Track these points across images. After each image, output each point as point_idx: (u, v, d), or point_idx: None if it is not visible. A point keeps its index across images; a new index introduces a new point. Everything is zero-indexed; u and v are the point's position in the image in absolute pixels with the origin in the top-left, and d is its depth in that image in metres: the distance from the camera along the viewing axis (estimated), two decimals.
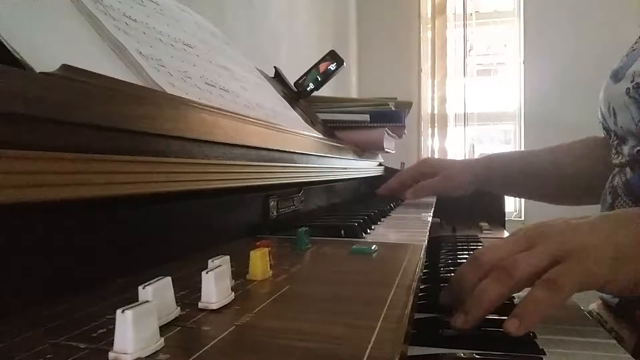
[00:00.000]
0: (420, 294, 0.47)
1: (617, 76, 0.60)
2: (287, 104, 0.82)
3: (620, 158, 0.61)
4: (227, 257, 0.29)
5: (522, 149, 2.69)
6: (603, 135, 0.68)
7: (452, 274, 0.56)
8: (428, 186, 0.89)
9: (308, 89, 1.03)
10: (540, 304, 0.36)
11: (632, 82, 0.56)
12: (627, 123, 0.57)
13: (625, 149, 0.59)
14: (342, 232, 0.53)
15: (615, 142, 0.62)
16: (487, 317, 0.39)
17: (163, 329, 0.22)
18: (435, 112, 2.91)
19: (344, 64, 1.05)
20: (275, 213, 0.58)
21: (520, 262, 0.37)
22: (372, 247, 0.43)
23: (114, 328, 0.19)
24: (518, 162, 0.88)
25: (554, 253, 0.37)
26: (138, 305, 0.19)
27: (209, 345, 0.21)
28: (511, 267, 0.37)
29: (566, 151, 0.84)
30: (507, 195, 1.02)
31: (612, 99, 0.60)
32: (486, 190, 0.92)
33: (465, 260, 0.64)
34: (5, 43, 0.29)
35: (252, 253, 0.33)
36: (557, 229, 0.40)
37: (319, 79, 1.03)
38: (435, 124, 2.92)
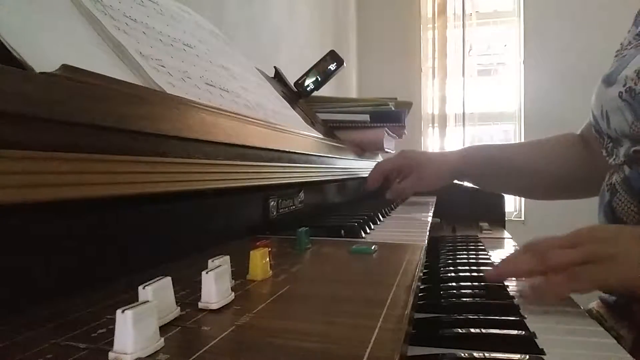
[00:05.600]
0: (420, 294, 0.47)
1: (609, 81, 0.62)
2: (287, 104, 0.82)
3: (615, 159, 0.62)
4: (227, 257, 0.29)
5: None
6: (595, 135, 0.69)
7: (453, 274, 0.57)
8: (405, 188, 0.94)
9: (308, 89, 1.03)
10: (553, 286, 0.43)
11: (624, 85, 0.57)
12: (621, 125, 0.58)
13: (621, 151, 0.60)
14: (342, 232, 0.53)
15: (609, 145, 0.64)
16: (488, 317, 0.40)
17: (163, 329, 0.22)
18: (436, 112, 2.91)
19: (344, 64, 1.05)
20: (275, 213, 0.58)
21: (558, 253, 0.43)
22: (372, 247, 0.43)
23: (114, 328, 0.19)
24: (492, 157, 0.91)
25: (590, 254, 0.42)
26: (138, 305, 0.19)
27: (209, 345, 0.21)
28: (548, 255, 0.44)
29: (540, 147, 0.88)
30: (485, 188, 1.05)
31: (605, 103, 0.62)
32: (462, 181, 0.97)
33: (464, 260, 0.65)
34: (5, 43, 0.29)
35: (252, 253, 0.33)
36: (605, 234, 0.45)
37: (319, 79, 1.03)
38: (436, 124, 2.91)
